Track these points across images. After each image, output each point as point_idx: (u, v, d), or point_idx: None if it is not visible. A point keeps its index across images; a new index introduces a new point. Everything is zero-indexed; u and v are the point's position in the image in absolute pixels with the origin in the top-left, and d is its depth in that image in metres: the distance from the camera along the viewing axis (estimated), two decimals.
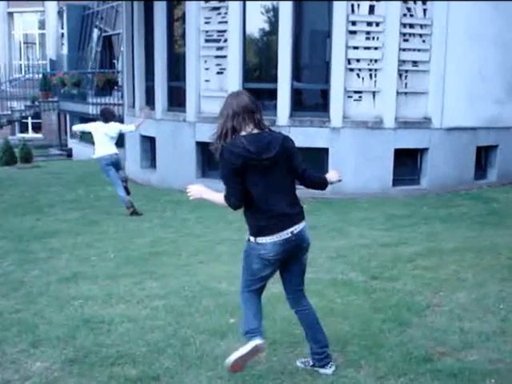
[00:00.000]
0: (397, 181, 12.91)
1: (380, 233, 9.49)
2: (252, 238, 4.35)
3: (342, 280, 6.90)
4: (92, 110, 23.69)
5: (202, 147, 13.76)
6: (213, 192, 4.54)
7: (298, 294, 4.59)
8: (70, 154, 27.98)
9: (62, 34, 33.66)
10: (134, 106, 16.34)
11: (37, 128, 34.77)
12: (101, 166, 11.73)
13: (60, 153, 29.14)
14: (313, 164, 13.78)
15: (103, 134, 11.45)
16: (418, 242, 8.64)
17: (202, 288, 6.78)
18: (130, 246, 9.15)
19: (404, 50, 12.74)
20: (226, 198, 4.34)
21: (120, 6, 21.72)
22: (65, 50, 31.87)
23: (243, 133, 4.27)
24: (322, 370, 4.58)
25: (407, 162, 13.23)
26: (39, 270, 7.93)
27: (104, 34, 27.79)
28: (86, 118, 25.68)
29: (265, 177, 4.26)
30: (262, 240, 4.29)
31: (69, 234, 10.09)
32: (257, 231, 4.32)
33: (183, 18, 14.12)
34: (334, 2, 12.42)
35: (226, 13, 13.25)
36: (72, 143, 28.64)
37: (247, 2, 13.09)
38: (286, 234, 4.28)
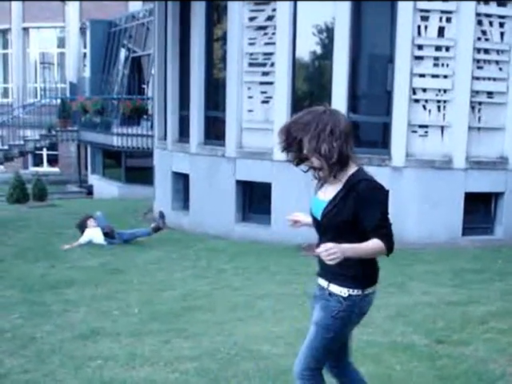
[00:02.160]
0: (467, 230, 12.88)
1: (447, 289, 9.48)
2: (358, 291, 4.06)
3: (402, 343, 6.89)
4: (117, 141, 24.03)
5: (244, 187, 13.94)
6: (355, 245, 3.89)
7: (348, 359, 4.45)
8: (90, 192, 28.25)
9: (85, 54, 34.22)
10: (165, 138, 16.54)
11: (53, 161, 35.21)
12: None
13: (79, 190, 29.48)
14: None
15: None
16: (491, 301, 8.59)
17: (240, 349, 6.82)
18: (157, 299, 9.22)
19: (478, 78, 12.77)
20: (390, 239, 3.95)
21: (151, 23, 22.10)
22: (87, 73, 32.36)
23: (353, 165, 4.11)
24: None
25: (479, 208, 13.22)
26: (52, 324, 8.00)
27: (132, 55, 28.21)
28: (109, 151, 26.20)
29: None
30: (368, 290, 4.13)
31: (87, 283, 10.16)
32: (370, 280, 4.14)
33: (224, 38, 14.37)
34: (398, 23, 12.52)
35: (273, 33, 13.42)
36: (93, 179, 28.98)
37: (298, 21, 13.22)
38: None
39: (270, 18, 13.46)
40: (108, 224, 13.65)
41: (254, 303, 8.87)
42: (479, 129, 12.93)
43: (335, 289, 4.05)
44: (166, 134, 16.60)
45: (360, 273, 4.02)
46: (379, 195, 4.02)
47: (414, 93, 12.71)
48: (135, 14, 28.82)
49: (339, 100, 12.86)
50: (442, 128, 12.78)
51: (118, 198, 24.41)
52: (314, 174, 4.24)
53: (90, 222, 13.60)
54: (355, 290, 4.03)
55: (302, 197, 13.00)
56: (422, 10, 12.48)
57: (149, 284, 10.21)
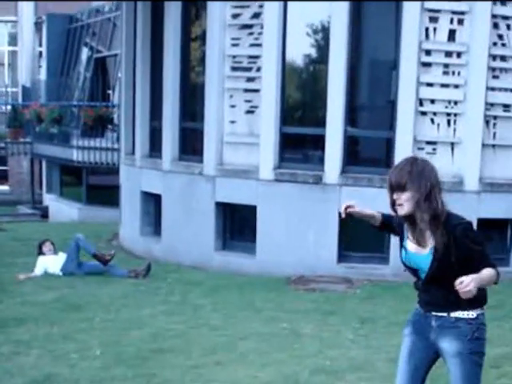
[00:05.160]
0: None
1: None
2: (482, 311, 4.87)
3: None
4: (77, 155, 24.02)
5: (224, 210, 14.03)
6: (482, 275, 4.65)
7: None
8: (45, 214, 28.17)
9: (40, 53, 34.21)
10: (133, 153, 16.60)
11: (2, 178, 35.08)
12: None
13: (32, 212, 29.34)
14: (371, 236, 13.95)
15: None
16: (505, 342, 8.75)
17: None
18: (123, 339, 9.26)
19: (493, 89, 12.85)
20: (496, 266, 4.79)
21: (118, 18, 22.14)
22: (43, 75, 32.37)
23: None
24: None
25: (494, 237, 13.31)
26: (0, 369, 8.04)
27: (96, 55, 28.26)
28: (68, 167, 26.21)
29: None
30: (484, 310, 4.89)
31: (41, 321, 10.14)
32: (485, 300, 4.91)
33: (203, 37, 14.41)
34: (404, 25, 12.61)
35: (259, 33, 13.46)
36: (49, 199, 28.95)
37: (288, 20, 13.28)
38: None
39: (256, 16, 13.52)
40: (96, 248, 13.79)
41: (235, 344, 8.95)
42: (494, 146, 13.03)
43: (461, 314, 4.77)
44: (134, 148, 16.64)
45: (478, 294, 4.56)
46: (476, 235, 4.81)
47: (421, 104, 12.80)
48: (100, 7, 28.84)
49: (336, 111, 12.97)
50: (453, 145, 12.87)
51: (78, 221, 24.37)
52: (408, 226, 4.92)
53: (46, 247, 13.73)
54: (479, 310, 4.82)
55: (290, 222, 13.15)
56: (430, 10, 12.56)
57: (113, 322, 10.21)
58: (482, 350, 4.79)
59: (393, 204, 4.79)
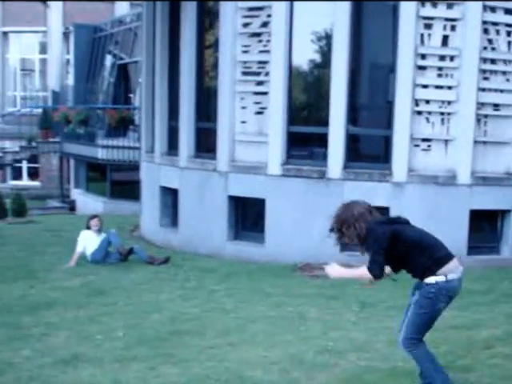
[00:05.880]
0: (472, 249, 12.89)
1: (450, 312, 9.44)
2: (442, 278, 5.84)
3: (403, 369, 6.90)
4: (102, 154, 24.03)
5: (236, 203, 14.01)
6: (349, 270, 6.27)
7: None
8: (72, 208, 28.21)
9: (68, 61, 34.28)
10: (153, 151, 16.61)
11: (33, 174, 35.14)
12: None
13: (61, 205, 29.35)
14: None
15: None
16: (496, 325, 8.66)
17: (232, 376, 6.89)
18: (143, 322, 9.28)
19: (484, 90, 12.82)
20: (370, 265, 5.86)
21: (139, 28, 22.17)
22: (70, 80, 32.40)
23: None
24: None
25: (485, 227, 13.30)
26: (31, 349, 8.05)
27: (119, 62, 28.27)
28: (93, 164, 26.23)
29: None
30: (451, 277, 5.88)
31: (69, 305, 10.21)
32: (435, 270, 5.90)
33: (216, 45, 14.42)
34: (401, 31, 12.58)
35: (268, 40, 13.46)
36: (76, 194, 28.98)
37: (294, 28, 13.25)
38: None
39: (264, 25, 13.52)
40: (122, 244, 13.77)
41: (246, 327, 8.94)
42: (485, 143, 12.99)
43: (427, 280, 5.85)
44: (153, 147, 16.65)
45: (427, 267, 5.85)
46: (371, 244, 5.85)
47: (417, 104, 12.78)
48: (122, 18, 28.87)
49: (338, 112, 12.96)
50: (446, 142, 12.84)
51: (102, 214, 24.39)
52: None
53: (93, 223, 13.78)
54: (438, 277, 5.80)
55: (297, 214, 13.11)
56: (425, 18, 12.54)
57: (134, 306, 10.24)
58: (426, 305, 5.83)
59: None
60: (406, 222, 6.19)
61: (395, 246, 5.86)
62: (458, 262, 5.97)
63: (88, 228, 13.73)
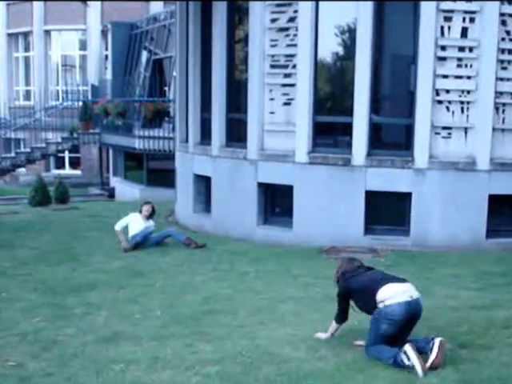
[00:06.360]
0: (491, 232, 12.82)
1: (471, 293, 9.47)
2: (379, 309, 6.84)
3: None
4: (139, 144, 24.10)
5: (265, 189, 13.99)
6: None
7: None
8: (111, 195, 28.32)
9: (106, 57, 34.33)
10: (187, 141, 16.62)
11: (75, 164, 35.39)
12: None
13: (101, 192, 29.51)
14: (393, 211, 13.88)
15: None
16: None
17: (262, 353, 6.90)
18: (179, 302, 9.33)
19: (502, 79, 12.72)
20: (336, 313, 7.40)
21: (173, 25, 22.18)
22: (109, 75, 32.46)
23: None
24: None
25: (504, 211, 13.15)
26: (74, 327, 8.15)
27: (154, 58, 28.30)
28: (131, 154, 26.31)
29: None
30: (387, 303, 6.75)
31: (109, 286, 10.31)
32: (374, 304, 6.93)
33: (246, 39, 14.42)
34: (421, 24, 12.50)
35: (295, 35, 13.44)
36: (115, 182, 29.11)
37: (320, 22, 13.21)
38: None
39: (291, 20, 13.47)
40: (187, 236, 13.81)
41: (275, 306, 8.94)
42: (503, 130, 12.88)
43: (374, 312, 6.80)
44: (187, 137, 16.67)
45: (370, 308, 6.82)
46: (338, 291, 7.21)
47: (438, 94, 12.70)
48: (157, 16, 28.86)
49: (361, 102, 12.93)
50: (466, 129, 12.75)
51: (139, 200, 24.46)
52: None
53: (144, 208, 13.90)
54: (377, 309, 6.70)
55: (323, 199, 13.09)
56: (445, 11, 12.46)
57: (171, 287, 10.30)
58: (376, 324, 6.66)
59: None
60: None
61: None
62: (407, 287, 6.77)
63: (140, 212, 13.84)
